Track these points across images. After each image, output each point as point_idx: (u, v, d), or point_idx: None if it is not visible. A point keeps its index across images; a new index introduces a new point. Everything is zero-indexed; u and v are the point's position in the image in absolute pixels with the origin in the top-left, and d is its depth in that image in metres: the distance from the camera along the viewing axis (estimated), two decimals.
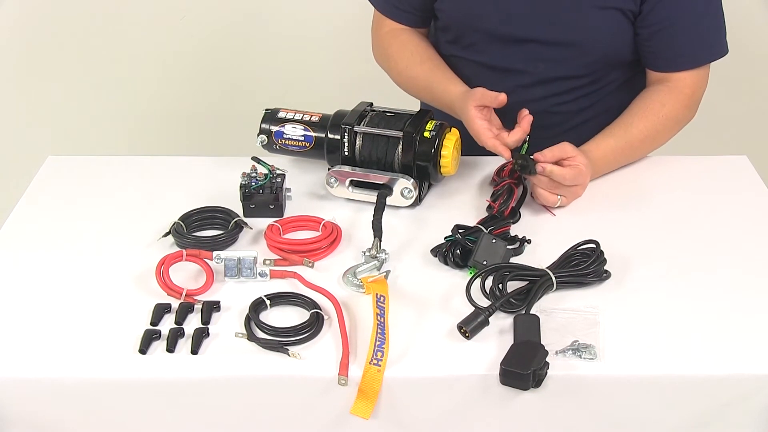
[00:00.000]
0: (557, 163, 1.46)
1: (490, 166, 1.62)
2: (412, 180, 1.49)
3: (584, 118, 1.69)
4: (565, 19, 1.58)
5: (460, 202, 1.54)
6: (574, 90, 1.66)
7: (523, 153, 1.55)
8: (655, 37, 1.58)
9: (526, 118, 1.52)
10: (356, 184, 1.52)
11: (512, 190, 1.50)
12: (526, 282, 1.30)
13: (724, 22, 1.60)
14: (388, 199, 1.49)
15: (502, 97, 1.50)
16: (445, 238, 1.38)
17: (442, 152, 1.50)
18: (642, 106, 1.61)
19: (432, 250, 1.38)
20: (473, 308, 1.25)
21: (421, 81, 1.69)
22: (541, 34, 1.60)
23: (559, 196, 1.48)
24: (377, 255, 1.36)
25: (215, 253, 1.34)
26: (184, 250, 1.35)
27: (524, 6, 1.59)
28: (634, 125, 1.59)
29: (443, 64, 1.70)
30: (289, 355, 1.19)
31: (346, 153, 1.52)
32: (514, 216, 1.48)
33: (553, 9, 1.58)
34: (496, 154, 1.61)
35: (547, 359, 1.16)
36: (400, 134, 1.49)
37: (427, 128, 1.50)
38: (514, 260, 1.37)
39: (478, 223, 1.41)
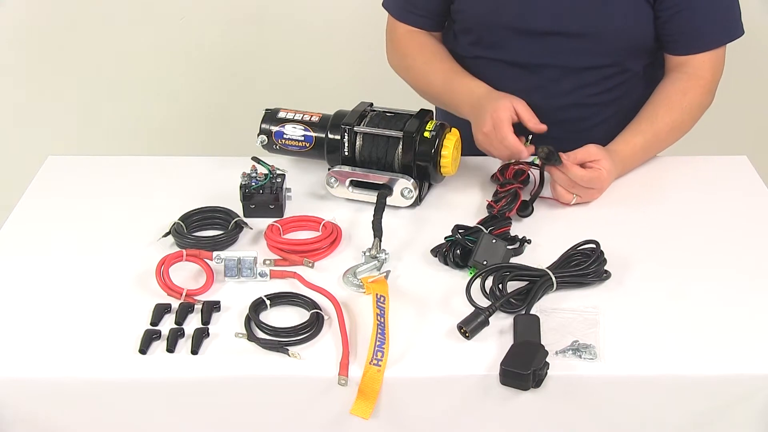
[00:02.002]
0: (581, 165, 1.47)
1: (490, 166, 1.62)
2: (412, 180, 1.49)
3: (616, 108, 1.69)
4: (587, 9, 1.57)
5: (460, 202, 1.54)
6: (602, 80, 1.65)
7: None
8: (674, 19, 1.58)
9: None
10: (356, 184, 1.52)
11: (517, 194, 1.49)
12: (526, 282, 1.30)
13: (738, 4, 1.61)
14: (388, 199, 1.49)
15: (542, 127, 1.53)
16: (445, 238, 1.38)
17: (442, 152, 1.50)
18: (664, 96, 1.61)
19: (432, 250, 1.38)
20: (473, 308, 1.25)
21: (440, 75, 1.68)
22: (564, 25, 1.59)
23: (575, 196, 1.48)
24: (377, 255, 1.36)
25: (215, 253, 1.34)
26: (184, 250, 1.35)
27: None
28: (659, 118, 1.59)
29: (460, 65, 1.70)
30: (289, 355, 1.19)
31: (346, 153, 1.52)
32: (526, 209, 1.48)
33: (574, 0, 1.58)
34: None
35: (547, 359, 1.16)
36: (400, 134, 1.49)
37: (427, 128, 1.50)
38: (514, 260, 1.37)
39: (478, 223, 1.41)
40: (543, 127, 1.52)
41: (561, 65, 1.64)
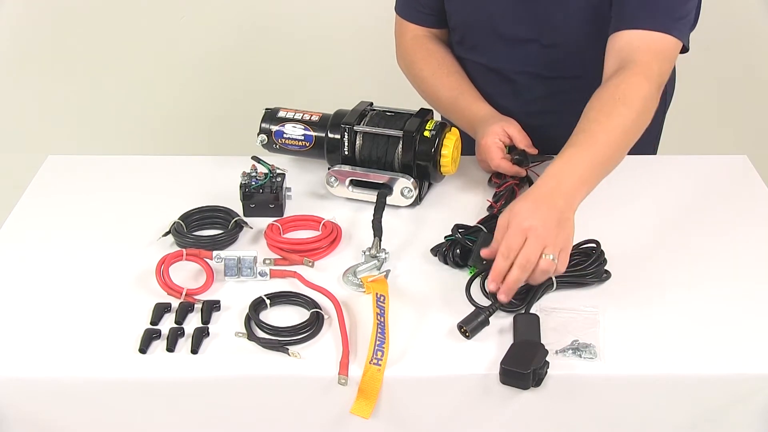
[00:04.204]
0: None
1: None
2: (412, 179, 1.49)
3: None
4: (558, 18, 1.58)
5: (460, 202, 1.54)
6: (575, 90, 1.65)
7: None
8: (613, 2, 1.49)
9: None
10: (356, 184, 1.52)
11: (514, 191, 1.50)
12: (526, 282, 1.30)
13: (692, 17, 1.51)
14: (388, 198, 1.49)
15: (533, 150, 1.53)
16: (445, 237, 1.38)
17: (442, 152, 1.50)
18: (598, 97, 1.44)
19: (432, 250, 1.38)
20: (473, 308, 1.25)
21: (446, 91, 1.68)
22: (537, 33, 1.60)
23: (547, 256, 1.24)
24: (377, 254, 1.36)
25: (215, 253, 1.34)
26: (184, 250, 1.35)
27: (524, 7, 1.59)
28: (597, 126, 1.39)
29: (467, 78, 1.70)
30: (289, 354, 1.19)
31: (346, 152, 1.52)
32: None
33: (549, 10, 1.58)
34: None
35: (547, 358, 1.16)
36: (400, 134, 1.49)
37: (427, 127, 1.50)
38: None
39: (478, 223, 1.41)
40: (535, 150, 1.53)
41: (534, 72, 1.65)
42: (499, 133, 1.53)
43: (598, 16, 1.55)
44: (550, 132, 1.58)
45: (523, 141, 1.53)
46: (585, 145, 1.36)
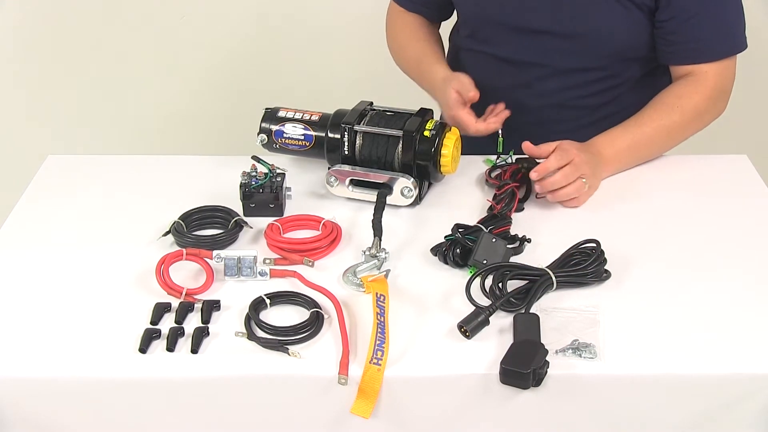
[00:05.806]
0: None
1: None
2: (412, 179, 1.49)
3: (603, 114, 1.68)
4: (576, 11, 1.58)
5: (460, 202, 1.54)
6: (590, 83, 1.65)
7: (500, 150, 1.57)
8: (678, 30, 1.56)
9: (503, 113, 1.58)
10: (356, 183, 1.52)
11: (514, 193, 1.49)
12: (526, 281, 1.30)
13: (744, 17, 1.60)
14: (388, 198, 1.49)
15: (473, 95, 1.55)
16: (445, 237, 1.38)
17: (442, 151, 1.50)
18: (658, 99, 1.60)
19: (432, 250, 1.38)
20: (473, 307, 1.25)
21: (414, 57, 1.73)
22: (554, 25, 1.60)
23: (583, 180, 1.48)
24: (377, 254, 1.36)
25: (215, 252, 1.34)
26: (184, 249, 1.35)
27: None
28: (648, 117, 1.57)
29: (438, 46, 1.75)
30: (289, 354, 1.19)
31: (346, 152, 1.52)
32: (518, 204, 1.49)
33: (565, 0, 1.58)
34: (492, 153, 1.62)
35: (547, 358, 1.16)
36: (400, 133, 1.49)
37: (427, 127, 1.50)
38: (514, 259, 1.37)
39: (478, 223, 1.41)
40: (473, 96, 1.56)
41: (548, 65, 1.65)
42: (458, 99, 1.57)
43: (614, 8, 1.55)
44: (562, 126, 1.59)
45: (475, 95, 1.56)
46: (630, 130, 1.56)
